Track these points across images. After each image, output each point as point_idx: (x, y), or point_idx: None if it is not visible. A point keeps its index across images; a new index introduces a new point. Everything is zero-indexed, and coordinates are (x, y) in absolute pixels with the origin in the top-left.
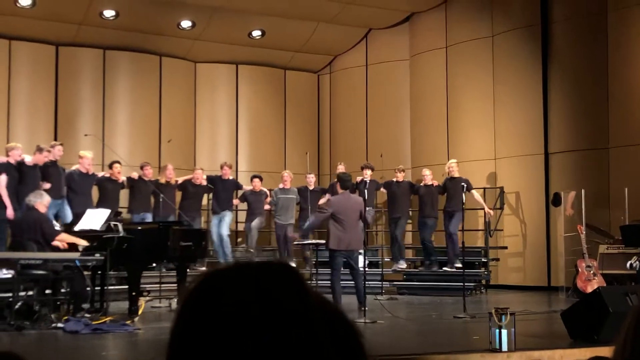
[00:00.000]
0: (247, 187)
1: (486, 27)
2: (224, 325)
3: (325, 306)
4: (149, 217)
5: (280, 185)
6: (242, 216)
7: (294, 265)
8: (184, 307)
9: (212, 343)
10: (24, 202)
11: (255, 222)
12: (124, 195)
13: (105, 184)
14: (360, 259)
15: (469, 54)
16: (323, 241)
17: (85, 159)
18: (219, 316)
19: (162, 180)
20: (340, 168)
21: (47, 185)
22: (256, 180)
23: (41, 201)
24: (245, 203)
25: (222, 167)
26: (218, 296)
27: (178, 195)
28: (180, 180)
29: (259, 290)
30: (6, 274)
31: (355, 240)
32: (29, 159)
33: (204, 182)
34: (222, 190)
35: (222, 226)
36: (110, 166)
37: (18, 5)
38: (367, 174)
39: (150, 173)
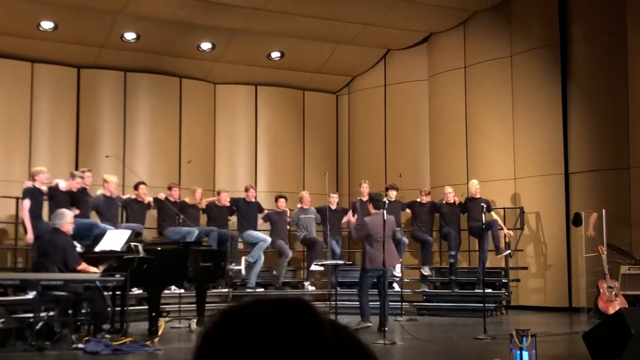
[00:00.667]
0: (267, 210)
1: (505, 47)
2: (243, 358)
3: (343, 336)
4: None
5: (299, 205)
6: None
7: (310, 287)
8: (204, 341)
9: None
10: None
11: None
12: (149, 217)
13: (131, 205)
14: (397, 267)
15: (487, 74)
16: (342, 262)
17: (110, 183)
18: (238, 350)
19: (190, 202)
20: (365, 187)
21: (76, 212)
22: (281, 200)
23: (65, 221)
24: (269, 223)
25: (247, 190)
26: (237, 330)
27: (203, 217)
28: (205, 202)
29: (277, 325)
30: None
31: (387, 259)
32: (63, 185)
33: (227, 203)
34: (246, 212)
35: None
36: (136, 187)
37: (40, 28)
38: (392, 195)
39: (176, 194)
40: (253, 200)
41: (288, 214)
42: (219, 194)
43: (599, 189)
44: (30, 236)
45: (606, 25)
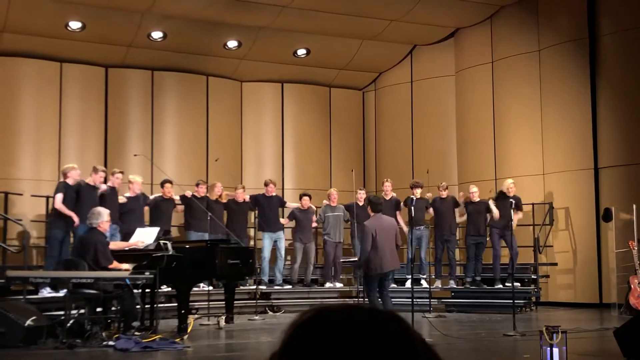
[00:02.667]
0: (291, 203)
1: (532, 41)
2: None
3: (431, 356)
4: (206, 236)
5: (325, 202)
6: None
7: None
8: (294, 334)
9: None
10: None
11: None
12: (175, 216)
13: (159, 204)
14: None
15: (515, 68)
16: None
17: (136, 183)
18: (327, 351)
19: (213, 198)
20: (387, 185)
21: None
22: (305, 198)
23: (102, 220)
24: (294, 221)
25: (266, 185)
26: (329, 331)
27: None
28: (226, 197)
29: (370, 334)
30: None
31: (390, 262)
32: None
33: (247, 199)
34: (267, 207)
35: (281, 246)
36: (162, 185)
37: (69, 28)
38: (417, 193)
39: (203, 191)
40: (274, 195)
41: (315, 212)
42: (236, 189)
43: (629, 183)
44: (76, 220)
45: (635, 18)
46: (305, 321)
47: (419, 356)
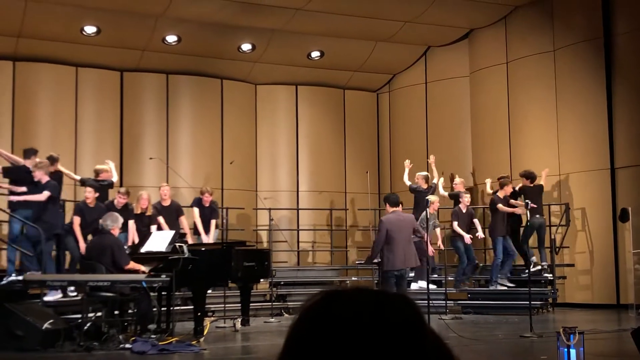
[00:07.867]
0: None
1: (547, 41)
2: (339, 343)
3: (439, 342)
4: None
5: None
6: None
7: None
8: (302, 318)
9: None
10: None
11: None
12: None
13: (84, 211)
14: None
15: (530, 69)
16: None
17: (87, 193)
18: (333, 332)
19: (137, 211)
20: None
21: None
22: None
23: (117, 225)
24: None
25: (202, 193)
26: (335, 313)
27: None
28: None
29: (376, 315)
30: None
31: (403, 260)
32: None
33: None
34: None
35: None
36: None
37: (84, 33)
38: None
39: (123, 201)
40: (171, 203)
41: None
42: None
43: None
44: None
45: None
46: (312, 304)
47: (426, 336)
